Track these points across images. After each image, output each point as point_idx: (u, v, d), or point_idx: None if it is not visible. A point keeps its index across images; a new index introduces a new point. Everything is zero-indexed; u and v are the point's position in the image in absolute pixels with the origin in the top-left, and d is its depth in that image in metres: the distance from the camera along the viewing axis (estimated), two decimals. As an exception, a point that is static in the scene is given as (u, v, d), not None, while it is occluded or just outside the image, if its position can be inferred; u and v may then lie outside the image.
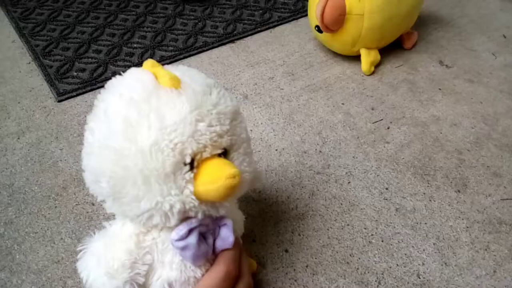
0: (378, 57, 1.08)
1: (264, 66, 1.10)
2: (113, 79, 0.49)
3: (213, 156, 0.45)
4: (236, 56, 1.14)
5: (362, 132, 0.92)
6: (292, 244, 0.72)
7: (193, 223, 0.48)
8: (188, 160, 0.43)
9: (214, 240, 0.52)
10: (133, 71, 0.48)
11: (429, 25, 1.26)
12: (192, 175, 0.44)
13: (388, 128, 0.93)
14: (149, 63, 0.47)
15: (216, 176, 0.44)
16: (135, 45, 1.15)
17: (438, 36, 1.21)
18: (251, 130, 0.92)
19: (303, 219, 0.75)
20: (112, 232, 0.52)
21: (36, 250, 0.71)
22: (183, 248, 0.48)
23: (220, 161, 0.46)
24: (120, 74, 0.49)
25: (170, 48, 1.14)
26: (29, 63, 1.11)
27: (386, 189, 0.81)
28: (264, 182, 0.81)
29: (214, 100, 0.46)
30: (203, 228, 0.49)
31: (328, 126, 0.93)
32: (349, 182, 0.82)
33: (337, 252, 0.71)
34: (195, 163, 0.44)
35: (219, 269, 0.51)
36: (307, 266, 0.69)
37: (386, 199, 0.79)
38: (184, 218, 0.48)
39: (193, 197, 0.45)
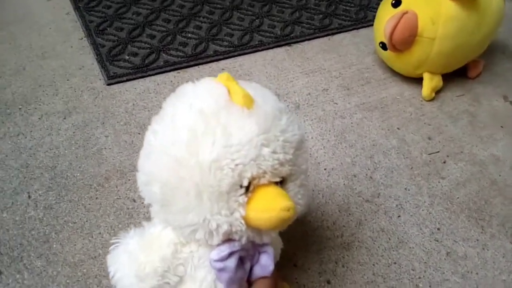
0: (441, 83, 1.03)
1: (319, 76, 1.06)
2: (186, 85, 0.47)
3: (269, 183, 0.44)
4: (291, 60, 1.10)
5: (417, 163, 0.87)
6: (335, 275, 0.68)
7: (236, 246, 0.46)
8: (245, 183, 0.42)
9: (252, 266, 0.50)
10: (207, 82, 0.46)
11: (496, 54, 1.19)
12: (245, 199, 0.42)
13: (444, 162, 0.88)
14: (224, 76, 0.45)
15: (270, 206, 0.42)
16: (189, 35, 1.12)
17: (505, 68, 1.15)
18: (300, 144, 0.88)
19: (348, 249, 0.72)
20: (150, 234, 0.50)
21: (74, 242, 0.69)
22: (220, 270, 0.46)
23: (277, 191, 0.44)
24: (193, 81, 0.47)
25: (225, 43, 1.10)
26: (81, 39, 1.10)
27: (438, 229, 0.76)
28: (308, 210, 0.77)
29: (283, 126, 0.44)
30: (243, 252, 0.47)
31: (381, 151, 0.89)
32: (399, 216, 0.78)
33: (380, 291, 0.67)
34: (251, 187, 0.43)
35: None
36: (349, 303, 0.66)
37: (437, 241, 0.75)
38: (227, 239, 0.46)
39: (242, 221, 0.43)
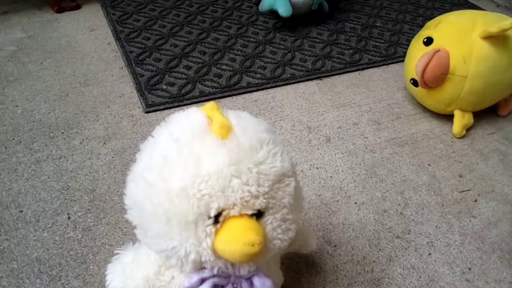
0: (472, 121, 1.03)
1: (350, 110, 1.08)
2: (174, 114, 0.48)
3: (242, 215, 0.43)
4: (322, 94, 1.12)
5: (448, 200, 0.87)
6: (365, 311, 0.68)
7: (206, 273, 0.46)
8: (212, 214, 0.41)
9: None
10: (190, 111, 0.47)
11: (527, 93, 1.19)
12: (213, 229, 0.42)
13: (475, 200, 0.88)
14: (209, 105, 0.45)
15: (235, 239, 0.42)
16: (224, 67, 1.16)
17: (536, 107, 1.15)
18: (330, 177, 0.90)
19: (378, 285, 0.72)
20: (142, 250, 0.52)
21: (110, 264, 0.71)
22: None
23: (246, 224, 0.42)
24: (183, 108, 0.48)
25: (258, 75, 1.14)
26: (122, 68, 1.15)
27: (469, 269, 0.76)
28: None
29: (260, 158, 0.43)
30: (222, 280, 0.47)
31: (412, 187, 0.89)
32: (429, 254, 0.77)
33: (410, 330, 0.67)
34: (221, 218, 0.42)
35: None
36: None
37: (468, 281, 0.74)
38: (201, 266, 0.46)
39: (210, 251, 0.43)
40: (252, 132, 0.45)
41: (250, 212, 0.43)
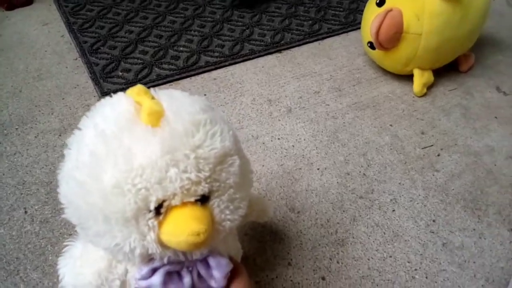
0: (432, 78, 1.03)
1: (310, 79, 1.07)
2: (100, 102, 0.44)
3: (185, 203, 0.40)
4: (282, 66, 1.11)
5: (410, 158, 0.87)
6: (329, 271, 0.68)
7: (156, 263, 0.44)
8: (152, 207, 0.39)
9: (200, 276, 0.47)
10: (116, 98, 0.43)
11: (487, 47, 1.19)
12: (156, 222, 0.40)
13: (438, 155, 0.88)
14: (134, 90, 0.42)
15: (178, 230, 0.40)
16: (181, 49, 1.14)
17: (496, 60, 1.15)
18: (292, 146, 0.89)
19: (343, 245, 0.72)
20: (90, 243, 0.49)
21: (69, 252, 0.70)
22: None
23: (190, 212, 0.40)
24: (110, 95, 0.44)
25: (216, 54, 1.12)
26: (76, 59, 1.12)
27: (433, 221, 0.76)
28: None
29: (196, 142, 0.41)
30: (175, 266, 0.45)
31: (374, 148, 0.89)
32: (393, 210, 0.77)
33: (377, 285, 0.67)
34: (163, 209, 0.40)
35: None
36: (344, 298, 0.65)
37: (433, 232, 0.74)
38: (151, 257, 0.44)
39: (155, 244, 0.41)
40: (186, 114, 0.42)
41: (193, 199, 0.41)
